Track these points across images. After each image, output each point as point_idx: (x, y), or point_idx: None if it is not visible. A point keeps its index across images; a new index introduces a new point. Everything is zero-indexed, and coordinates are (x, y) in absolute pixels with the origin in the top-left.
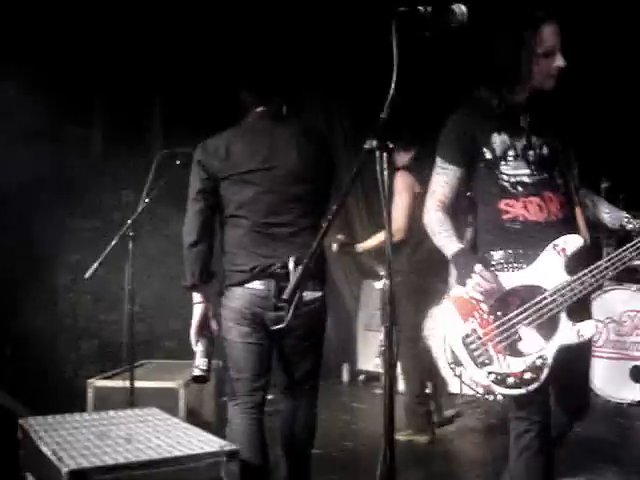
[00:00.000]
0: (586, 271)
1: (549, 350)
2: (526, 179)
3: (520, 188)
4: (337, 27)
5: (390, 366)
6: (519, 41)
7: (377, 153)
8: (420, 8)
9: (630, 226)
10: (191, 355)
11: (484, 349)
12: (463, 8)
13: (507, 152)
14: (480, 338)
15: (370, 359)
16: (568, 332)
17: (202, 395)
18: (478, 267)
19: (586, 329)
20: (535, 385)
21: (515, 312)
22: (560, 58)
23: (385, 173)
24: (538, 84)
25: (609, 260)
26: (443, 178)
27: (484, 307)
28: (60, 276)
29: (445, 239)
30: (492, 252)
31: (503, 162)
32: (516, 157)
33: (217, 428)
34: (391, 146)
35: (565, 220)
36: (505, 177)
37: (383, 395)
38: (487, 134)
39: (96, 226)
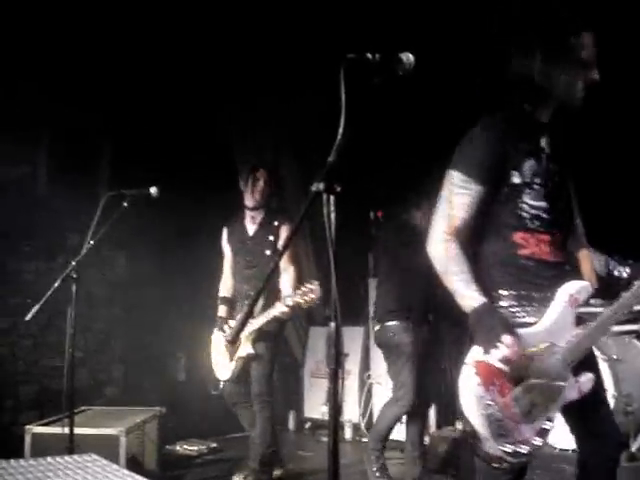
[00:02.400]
0: (594, 325)
1: (554, 410)
2: (543, 214)
3: (537, 222)
4: (288, 69)
5: (335, 410)
6: (562, 47)
7: (324, 196)
8: (368, 55)
9: (617, 273)
10: (132, 402)
11: (503, 421)
12: (411, 57)
13: (534, 179)
14: (500, 410)
15: (317, 407)
16: (571, 389)
17: (144, 442)
18: (507, 339)
19: (585, 384)
20: (538, 448)
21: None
22: (596, 71)
23: (332, 215)
24: (568, 99)
25: (613, 309)
26: (463, 199)
27: (505, 372)
28: None
29: (461, 284)
30: (501, 292)
31: (528, 190)
32: (540, 186)
33: (159, 477)
34: (338, 189)
35: (569, 262)
36: (526, 207)
37: (328, 441)
38: (521, 156)
39: (38, 268)
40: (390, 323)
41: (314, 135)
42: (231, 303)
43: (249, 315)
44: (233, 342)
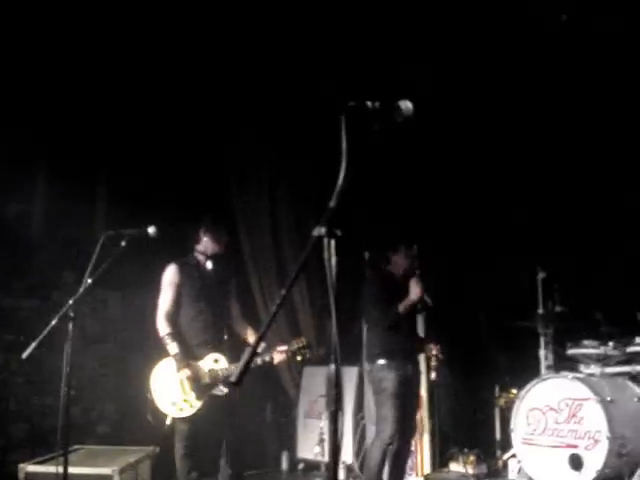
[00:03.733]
0: None
1: None
2: None
3: None
4: (287, 115)
5: (334, 451)
6: None
7: (325, 240)
8: (368, 103)
9: None
10: (124, 440)
11: None
12: (409, 104)
13: None
14: None
15: (310, 447)
16: None
17: None
18: None
19: None
20: None
21: None
22: None
23: (332, 260)
24: None
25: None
26: None
27: None
28: None
29: None
30: None
31: None
32: None
33: None
34: (338, 233)
35: None
36: None
37: None
38: None
39: (33, 306)
40: (376, 362)
41: (310, 180)
42: (179, 340)
43: (253, 357)
44: (238, 384)
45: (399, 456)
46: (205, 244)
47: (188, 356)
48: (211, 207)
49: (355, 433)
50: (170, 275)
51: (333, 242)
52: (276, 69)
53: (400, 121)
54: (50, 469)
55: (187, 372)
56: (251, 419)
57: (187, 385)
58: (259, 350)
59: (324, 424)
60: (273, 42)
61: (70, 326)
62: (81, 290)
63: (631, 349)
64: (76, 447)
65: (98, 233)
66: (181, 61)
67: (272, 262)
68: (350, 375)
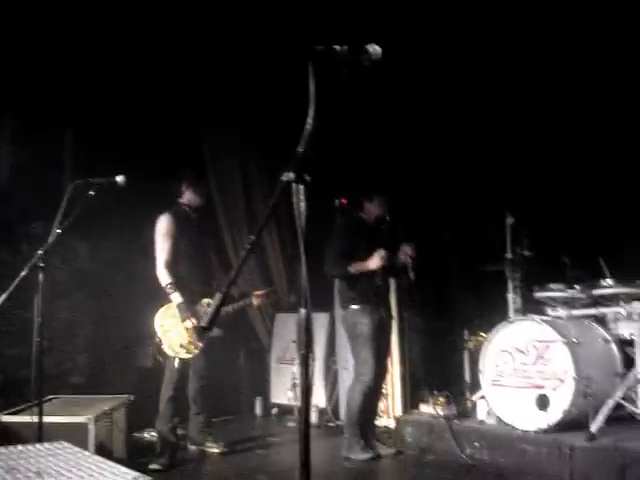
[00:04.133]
0: None
1: None
2: None
3: None
4: (255, 62)
5: (306, 393)
6: None
7: (294, 185)
8: (336, 47)
9: None
10: (99, 390)
11: None
12: (377, 48)
13: None
14: None
15: (283, 392)
16: None
17: (112, 430)
18: None
19: None
20: None
21: None
22: None
23: (302, 205)
24: None
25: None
26: None
27: None
28: None
29: None
30: None
31: None
32: None
33: (128, 464)
34: (307, 178)
35: None
36: None
37: (297, 426)
38: None
39: (3, 258)
40: (350, 307)
41: (280, 126)
42: (181, 288)
43: (223, 302)
44: (209, 329)
45: (374, 398)
46: (188, 197)
47: (188, 303)
48: (180, 154)
49: (327, 378)
50: (166, 225)
51: (302, 187)
52: (244, 15)
53: (368, 65)
54: (25, 419)
55: (193, 321)
56: (224, 365)
57: (191, 330)
58: (235, 295)
59: (296, 369)
60: None
61: (40, 276)
62: (50, 240)
63: (597, 292)
64: (51, 397)
65: (66, 183)
66: (147, 23)
67: (242, 209)
68: (321, 321)
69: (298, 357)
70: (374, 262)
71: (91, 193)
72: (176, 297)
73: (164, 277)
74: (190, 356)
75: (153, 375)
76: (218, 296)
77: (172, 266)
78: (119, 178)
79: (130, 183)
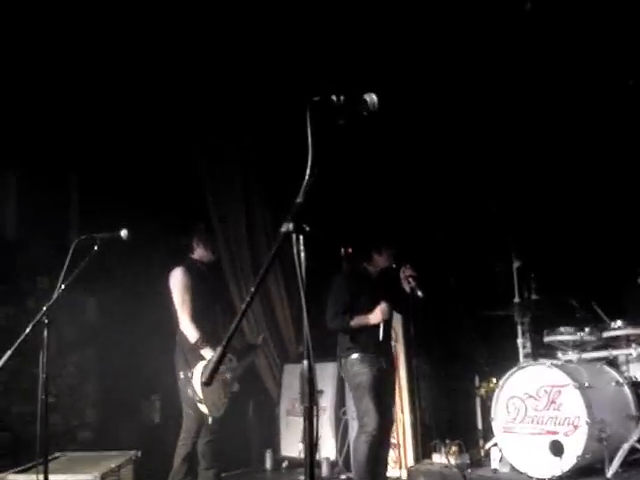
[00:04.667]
0: None
1: None
2: None
3: None
4: (257, 113)
5: (310, 447)
6: None
7: (294, 236)
8: (333, 97)
9: None
10: (106, 446)
11: None
12: (374, 97)
13: None
14: None
15: (293, 445)
16: None
17: None
18: None
19: None
20: None
21: None
22: None
23: (302, 255)
24: None
25: None
26: None
27: None
28: None
29: None
30: None
31: None
32: None
33: None
34: (307, 228)
35: None
36: None
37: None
38: None
39: (8, 313)
40: (349, 357)
41: (285, 177)
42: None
43: (223, 357)
44: (208, 383)
45: (382, 448)
46: (200, 253)
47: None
48: (184, 208)
49: (337, 429)
50: (183, 278)
51: (302, 237)
52: (243, 66)
53: (366, 114)
54: (31, 477)
55: (228, 375)
56: (233, 418)
57: (222, 386)
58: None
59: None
60: (240, 38)
61: (45, 333)
62: (54, 296)
63: (607, 334)
64: (57, 454)
65: (72, 237)
66: (149, 65)
67: (249, 261)
68: (330, 370)
69: (287, 413)
70: (376, 317)
71: (95, 248)
72: (208, 352)
73: (192, 332)
74: (221, 413)
75: (161, 430)
76: (218, 350)
77: (198, 321)
78: (123, 232)
79: (135, 237)
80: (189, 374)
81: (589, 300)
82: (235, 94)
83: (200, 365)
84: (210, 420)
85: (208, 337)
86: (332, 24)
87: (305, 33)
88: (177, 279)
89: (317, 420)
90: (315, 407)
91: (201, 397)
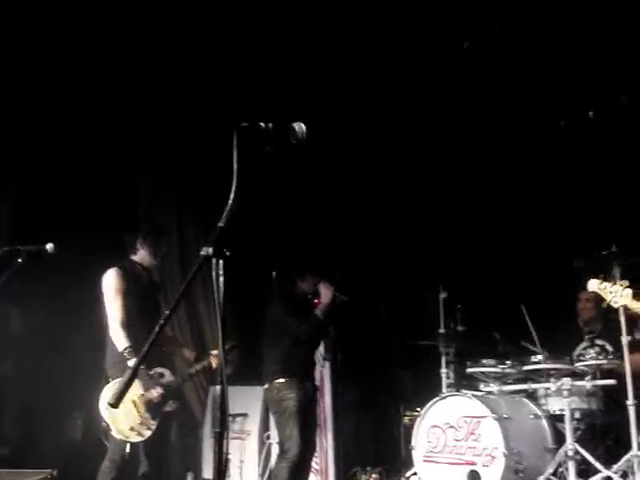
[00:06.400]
0: None
1: None
2: None
3: None
4: (194, 142)
5: (220, 472)
6: None
7: (213, 260)
8: (261, 124)
9: None
10: (25, 463)
11: None
12: (303, 126)
13: None
14: None
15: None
16: None
17: None
18: None
19: None
20: None
21: None
22: None
23: (220, 279)
24: None
25: None
26: None
27: None
28: None
29: None
30: None
31: None
32: None
33: None
34: (227, 253)
35: None
36: None
37: None
38: None
39: None
40: (274, 381)
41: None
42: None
43: (134, 378)
44: (115, 406)
45: (303, 473)
46: (141, 256)
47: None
48: (114, 227)
49: (261, 453)
50: (115, 281)
51: (221, 262)
52: (176, 86)
53: (295, 143)
54: None
55: (159, 390)
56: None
57: (142, 406)
58: (191, 359)
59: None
60: (175, 62)
61: None
62: None
63: (527, 367)
64: None
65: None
66: (88, 78)
67: (178, 278)
68: (257, 394)
69: (212, 435)
70: (325, 295)
71: (19, 260)
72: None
73: (121, 339)
74: (142, 439)
75: (83, 447)
76: (129, 372)
77: (129, 328)
78: (49, 246)
79: (63, 248)
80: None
81: (513, 333)
82: (171, 112)
83: (109, 385)
84: (127, 448)
85: (139, 348)
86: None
87: (239, 56)
88: (110, 280)
89: (227, 445)
90: (226, 432)
91: (108, 423)
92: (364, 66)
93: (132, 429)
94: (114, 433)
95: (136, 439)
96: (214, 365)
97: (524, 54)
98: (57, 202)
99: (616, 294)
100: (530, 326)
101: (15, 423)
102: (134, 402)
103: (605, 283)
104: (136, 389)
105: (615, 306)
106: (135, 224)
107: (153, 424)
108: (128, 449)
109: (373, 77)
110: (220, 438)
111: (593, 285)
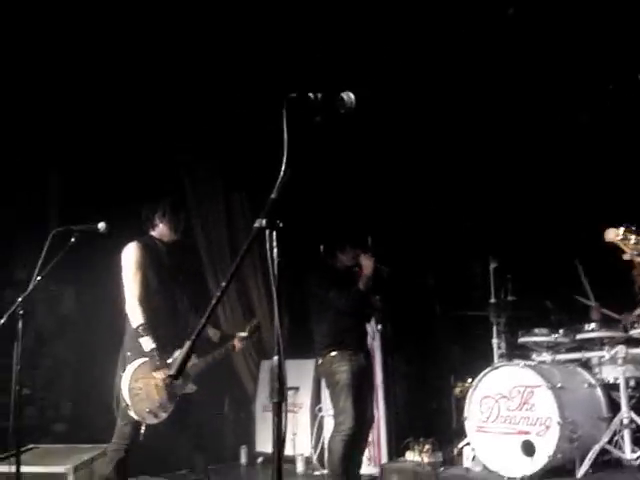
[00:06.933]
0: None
1: None
2: None
3: None
4: (238, 113)
5: (279, 444)
6: None
7: (267, 232)
8: (310, 95)
9: None
10: (82, 439)
11: None
12: (352, 95)
13: None
14: None
15: (269, 441)
16: None
17: None
18: None
19: None
20: None
21: None
22: None
23: (274, 251)
24: None
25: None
26: None
27: None
28: None
29: None
30: None
31: None
32: None
33: None
34: (280, 225)
35: None
36: None
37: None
38: None
39: None
40: (327, 354)
41: (264, 173)
42: (154, 332)
43: (192, 350)
44: (176, 378)
45: (357, 447)
46: (161, 231)
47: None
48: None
49: (313, 426)
50: (136, 255)
51: (275, 233)
52: (221, 63)
53: (343, 113)
54: (2, 468)
55: (167, 372)
56: (209, 414)
57: (162, 387)
58: (215, 340)
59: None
60: (219, 38)
61: (20, 324)
62: (30, 287)
63: (580, 336)
64: (31, 446)
65: (51, 229)
66: (128, 64)
67: (226, 248)
68: (308, 367)
69: (264, 409)
70: (366, 267)
71: (72, 240)
72: (148, 342)
73: (137, 315)
74: (158, 421)
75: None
76: (187, 344)
77: (146, 304)
78: (101, 225)
79: (115, 228)
80: (121, 373)
81: (565, 302)
82: (214, 89)
83: (135, 364)
84: (142, 429)
85: (158, 325)
86: (313, 21)
87: (286, 30)
88: (130, 254)
89: (286, 416)
90: (284, 403)
91: (129, 403)
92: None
93: (150, 411)
94: (132, 413)
95: (152, 421)
96: (237, 348)
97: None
98: (104, 181)
99: (638, 247)
100: (584, 280)
101: (70, 401)
102: (156, 385)
103: (627, 232)
104: (159, 373)
105: (635, 260)
106: (183, 196)
107: (170, 407)
108: (143, 430)
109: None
110: (278, 409)
111: (611, 234)
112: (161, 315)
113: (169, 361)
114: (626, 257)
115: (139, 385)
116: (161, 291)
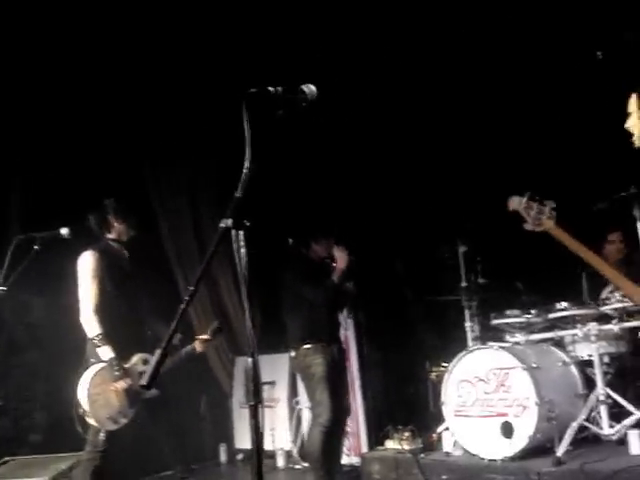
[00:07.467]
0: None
1: None
2: None
3: None
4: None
5: (257, 446)
6: None
7: (233, 232)
8: (270, 89)
9: None
10: (59, 448)
11: None
12: (312, 88)
13: None
14: None
15: (247, 437)
16: None
17: None
18: None
19: None
20: None
21: None
22: None
23: (242, 251)
24: None
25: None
26: None
27: None
28: None
29: None
30: None
31: None
32: None
33: None
34: (247, 224)
35: None
36: None
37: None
38: None
39: None
40: (301, 348)
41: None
42: (111, 341)
43: (164, 359)
44: (149, 387)
45: (336, 438)
46: (118, 230)
47: (119, 359)
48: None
49: (291, 419)
50: (91, 264)
51: (241, 233)
52: (180, 62)
53: (305, 105)
54: None
55: (128, 381)
56: (185, 413)
57: (122, 394)
58: (176, 343)
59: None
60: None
61: None
62: None
63: (553, 315)
64: (7, 459)
65: (12, 237)
66: (90, 57)
67: (195, 251)
68: (283, 361)
69: (241, 406)
70: (341, 259)
71: (35, 247)
72: (106, 352)
73: (93, 326)
74: (117, 427)
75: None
76: (157, 352)
77: (102, 314)
78: (63, 231)
79: (75, 235)
80: (78, 381)
81: (535, 282)
82: (177, 88)
83: (94, 369)
84: (101, 435)
85: (117, 330)
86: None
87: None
88: (85, 264)
89: (263, 414)
90: (260, 404)
91: (87, 409)
92: (372, 26)
93: (109, 418)
94: (90, 420)
95: (111, 427)
96: (198, 350)
97: None
98: (66, 188)
99: (540, 217)
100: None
101: (44, 410)
102: (115, 391)
103: (530, 202)
104: (120, 383)
105: (536, 229)
106: (146, 201)
107: (130, 413)
108: (102, 436)
109: (380, 35)
110: (255, 411)
111: (514, 203)
112: (119, 320)
113: (127, 366)
114: (527, 227)
115: (97, 391)
116: (119, 295)
